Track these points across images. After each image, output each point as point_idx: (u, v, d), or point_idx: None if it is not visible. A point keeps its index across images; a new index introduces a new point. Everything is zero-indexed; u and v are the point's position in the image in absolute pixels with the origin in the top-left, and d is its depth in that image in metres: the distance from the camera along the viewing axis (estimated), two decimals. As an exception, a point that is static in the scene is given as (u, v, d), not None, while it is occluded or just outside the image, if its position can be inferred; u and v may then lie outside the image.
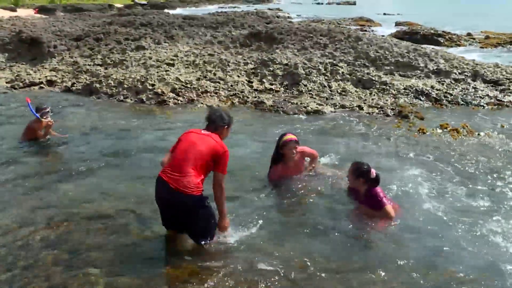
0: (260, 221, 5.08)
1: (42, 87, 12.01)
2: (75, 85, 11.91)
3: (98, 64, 13.36)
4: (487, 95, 11.01)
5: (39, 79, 12.44)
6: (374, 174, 5.29)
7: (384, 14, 42.02)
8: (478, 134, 8.46)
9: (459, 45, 21.46)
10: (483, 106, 10.50)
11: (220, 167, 4.31)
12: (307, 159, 6.28)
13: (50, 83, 12.30)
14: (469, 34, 24.47)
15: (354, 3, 67.45)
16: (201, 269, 4.24)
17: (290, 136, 5.97)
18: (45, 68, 13.53)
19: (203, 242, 4.48)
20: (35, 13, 37.80)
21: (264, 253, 4.51)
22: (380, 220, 5.19)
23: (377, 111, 10.06)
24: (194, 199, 4.23)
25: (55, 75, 12.75)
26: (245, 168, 6.61)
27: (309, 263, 4.35)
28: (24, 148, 7.44)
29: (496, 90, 11.31)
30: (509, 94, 10.94)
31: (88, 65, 13.35)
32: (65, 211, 5.30)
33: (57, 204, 5.48)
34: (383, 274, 4.22)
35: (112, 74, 12.09)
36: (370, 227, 5.10)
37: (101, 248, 4.54)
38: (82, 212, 5.24)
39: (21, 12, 35.07)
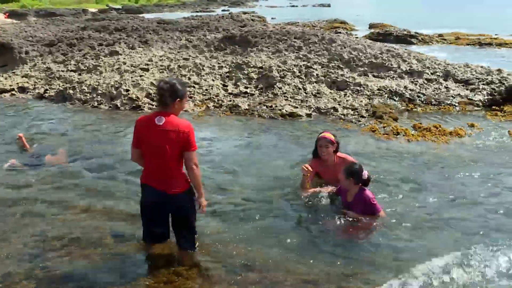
0: (246, 227, 5.16)
1: (14, 94, 11.80)
2: (48, 91, 11.74)
3: (72, 70, 13.19)
4: (459, 94, 11.22)
5: (10, 86, 12.22)
6: (366, 176, 5.28)
7: (357, 15, 42.47)
8: (450, 133, 8.63)
9: (430, 45, 21.87)
10: (455, 105, 10.70)
11: (189, 147, 4.07)
12: None
13: (22, 90, 12.10)
14: (440, 35, 24.95)
15: (329, 5, 68.08)
16: (182, 277, 4.26)
17: (325, 134, 5.96)
18: (17, 75, 13.30)
19: (191, 237, 4.49)
20: (5, 17, 37.15)
21: (244, 260, 4.54)
22: (369, 223, 5.25)
23: (351, 112, 10.17)
24: (186, 194, 4.24)
25: (27, 82, 12.55)
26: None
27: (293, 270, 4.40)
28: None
29: (467, 89, 11.54)
30: (479, 93, 11.17)
31: (61, 71, 13.17)
32: (41, 224, 5.22)
33: (30, 218, 5.39)
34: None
35: (86, 80, 11.96)
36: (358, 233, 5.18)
37: (77, 263, 4.48)
38: (57, 226, 5.17)
39: (-9, 18, 34.43)
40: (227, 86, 11.72)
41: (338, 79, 11.83)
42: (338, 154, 6.00)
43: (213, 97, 11.01)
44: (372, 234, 5.11)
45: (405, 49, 15.58)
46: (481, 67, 13.21)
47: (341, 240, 5.05)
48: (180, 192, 4.20)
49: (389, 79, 12.13)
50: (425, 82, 11.96)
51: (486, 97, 10.98)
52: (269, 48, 14.33)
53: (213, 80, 12.03)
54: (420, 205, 5.72)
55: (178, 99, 4.11)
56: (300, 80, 11.87)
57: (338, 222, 5.26)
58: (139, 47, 15.58)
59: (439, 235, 4.99)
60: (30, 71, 13.56)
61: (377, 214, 5.29)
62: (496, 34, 25.09)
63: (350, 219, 5.27)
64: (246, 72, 12.24)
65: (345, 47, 13.91)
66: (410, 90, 11.37)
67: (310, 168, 5.71)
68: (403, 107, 10.66)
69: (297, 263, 4.46)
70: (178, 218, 4.39)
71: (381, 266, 4.41)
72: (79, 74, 12.74)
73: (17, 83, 12.40)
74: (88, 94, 11.21)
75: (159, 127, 4.03)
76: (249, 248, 4.71)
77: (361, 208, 5.29)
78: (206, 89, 11.40)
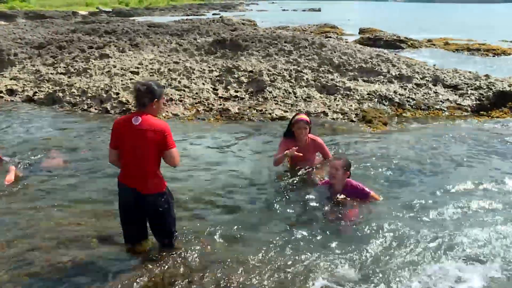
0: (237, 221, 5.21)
1: (2, 97, 11.70)
2: (37, 94, 11.66)
3: (61, 73, 13.11)
4: (447, 99, 11.32)
5: (-1, 88, 12.13)
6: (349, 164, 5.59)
7: (348, 20, 42.71)
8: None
9: (420, 50, 22.06)
10: (443, 110, 10.79)
11: (167, 145, 4.12)
12: (320, 156, 6.47)
13: (11, 92, 12.00)
14: (429, 40, 25.18)
15: (319, 10, 68.43)
16: (169, 275, 4.25)
17: (301, 116, 6.19)
18: (5, 77, 13.19)
19: (170, 240, 4.52)
20: (-6, 20, 36.86)
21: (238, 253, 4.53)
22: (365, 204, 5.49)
23: (341, 116, 10.21)
24: (162, 195, 4.27)
25: (16, 84, 12.45)
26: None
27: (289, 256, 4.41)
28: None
29: (456, 94, 11.64)
30: (467, 98, 11.27)
31: (51, 73, 13.08)
32: (26, 226, 5.17)
33: (15, 219, 5.34)
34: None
35: (75, 83, 11.90)
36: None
37: (62, 264, 4.44)
38: (43, 228, 5.13)
39: (-20, 20, 34.15)
40: (217, 90, 11.72)
41: (328, 84, 11.87)
42: (309, 135, 6.28)
43: (203, 101, 10.99)
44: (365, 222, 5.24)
45: (395, 54, 15.70)
46: (469, 72, 13.34)
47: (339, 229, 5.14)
48: (155, 193, 4.24)
49: (378, 84, 12.20)
50: (415, 87, 12.05)
51: (474, 102, 11.09)
52: (259, 52, 14.37)
53: (203, 83, 12.03)
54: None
55: (156, 99, 4.19)
56: (290, 84, 11.90)
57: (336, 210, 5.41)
58: (130, 50, 15.55)
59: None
60: (19, 73, 13.47)
61: (370, 197, 5.53)
62: (484, 40, 25.36)
63: (346, 205, 5.44)
64: (236, 76, 12.25)
65: (335, 52, 13.99)
66: (400, 94, 11.44)
67: (294, 148, 5.87)
68: (392, 112, 10.71)
69: (286, 260, 4.46)
70: (154, 220, 4.40)
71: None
72: (69, 77, 12.67)
73: (6, 86, 12.29)
74: (77, 97, 11.15)
75: (136, 127, 4.09)
76: (232, 247, 4.73)
77: (354, 195, 5.50)
78: (196, 93, 11.38)
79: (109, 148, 4.33)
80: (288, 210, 5.54)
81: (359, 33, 29.50)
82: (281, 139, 6.43)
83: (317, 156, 6.62)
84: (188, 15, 50.80)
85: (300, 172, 6.27)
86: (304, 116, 6.20)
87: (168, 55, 14.90)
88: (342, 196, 5.50)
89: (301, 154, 5.94)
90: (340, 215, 5.33)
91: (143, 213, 4.34)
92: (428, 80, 12.39)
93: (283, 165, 6.42)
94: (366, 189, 5.58)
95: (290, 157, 6.23)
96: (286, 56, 13.91)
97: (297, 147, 5.92)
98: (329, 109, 10.59)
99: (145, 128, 4.07)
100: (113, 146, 4.28)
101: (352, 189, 5.51)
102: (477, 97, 11.25)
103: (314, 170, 6.34)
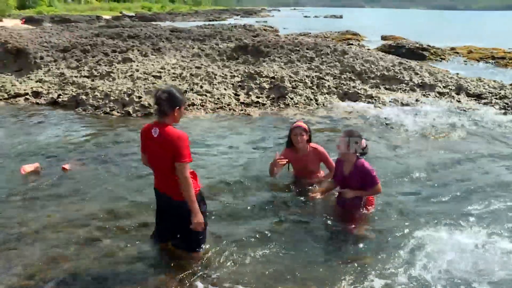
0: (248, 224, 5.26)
1: (28, 99, 11.91)
2: (61, 96, 11.83)
3: (85, 76, 13.30)
4: (471, 108, 11.17)
5: (25, 90, 12.35)
6: (365, 144, 5.25)
7: (370, 27, 42.50)
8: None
9: (443, 59, 21.77)
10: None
11: (179, 157, 3.97)
12: (325, 170, 6.33)
13: (36, 94, 12.21)
14: (452, 49, 24.87)
15: (341, 17, 68.32)
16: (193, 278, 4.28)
17: (299, 123, 6.15)
18: (31, 80, 13.44)
19: (196, 250, 4.52)
20: (22, 23, 37.73)
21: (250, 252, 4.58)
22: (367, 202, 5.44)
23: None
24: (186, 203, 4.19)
25: (41, 87, 12.67)
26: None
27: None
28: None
29: (479, 103, 11.49)
30: (491, 107, 11.10)
31: (75, 76, 13.28)
32: (49, 227, 5.26)
33: (35, 219, 5.42)
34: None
35: (98, 86, 12.04)
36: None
37: (82, 265, 4.50)
38: (64, 230, 5.19)
39: (8, 23, 34.97)
40: (239, 95, 11.76)
41: (350, 91, 11.83)
42: (310, 144, 6.20)
43: (224, 106, 11.04)
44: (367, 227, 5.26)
45: (417, 62, 15.56)
46: (494, 81, 13.15)
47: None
48: (185, 200, 4.11)
49: (401, 92, 12.12)
50: (437, 95, 11.93)
51: (498, 112, 10.92)
52: (281, 58, 14.39)
53: (225, 89, 12.08)
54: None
55: (177, 107, 4.09)
56: (312, 91, 11.89)
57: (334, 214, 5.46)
58: (152, 54, 15.72)
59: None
60: (44, 76, 13.70)
61: (375, 187, 5.24)
62: (510, 48, 24.94)
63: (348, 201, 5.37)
64: (258, 82, 12.27)
65: (357, 59, 13.94)
66: (422, 103, 11.33)
67: (283, 159, 5.87)
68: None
69: (296, 265, 4.47)
70: (183, 225, 4.32)
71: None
72: (92, 80, 12.84)
73: (31, 88, 12.51)
74: (100, 100, 11.28)
75: (154, 139, 4.08)
76: (231, 247, 4.77)
77: (359, 180, 5.22)
78: (218, 98, 11.44)
79: (141, 151, 4.44)
80: (288, 214, 5.59)
81: (381, 39, 29.33)
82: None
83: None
84: (210, 21, 51.17)
85: (303, 184, 6.23)
86: (301, 123, 6.14)
87: (190, 60, 15.02)
88: (346, 186, 5.36)
89: (284, 162, 5.86)
90: (342, 218, 5.35)
91: (174, 217, 4.36)
92: (451, 89, 12.26)
93: (288, 175, 6.43)
94: (376, 176, 5.24)
95: (293, 166, 6.26)
96: (308, 63, 13.90)
97: (286, 160, 5.89)
98: (350, 116, 10.53)
99: (162, 141, 4.03)
100: (142, 150, 4.39)
101: (361, 169, 5.21)
102: (502, 107, 11.08)
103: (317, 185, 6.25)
